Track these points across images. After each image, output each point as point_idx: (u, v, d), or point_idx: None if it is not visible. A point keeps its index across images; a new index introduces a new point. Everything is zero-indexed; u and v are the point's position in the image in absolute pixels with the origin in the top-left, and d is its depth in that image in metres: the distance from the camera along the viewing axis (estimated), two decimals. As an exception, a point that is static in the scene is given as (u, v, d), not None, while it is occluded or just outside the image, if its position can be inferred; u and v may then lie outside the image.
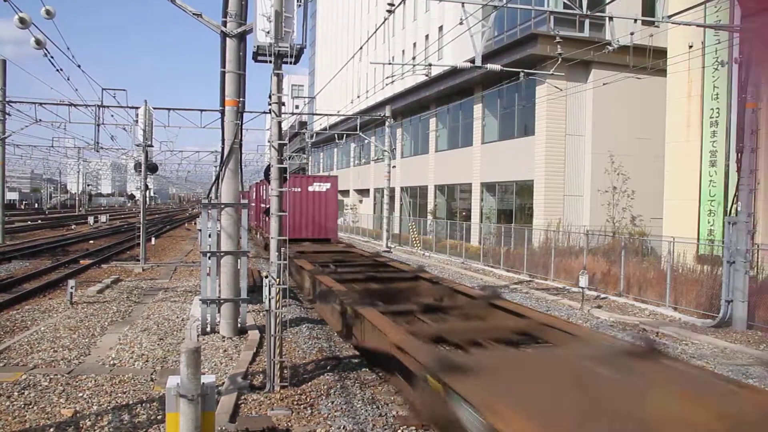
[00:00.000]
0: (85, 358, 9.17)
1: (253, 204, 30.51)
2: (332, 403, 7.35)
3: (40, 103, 25.44)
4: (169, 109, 25.45)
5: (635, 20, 13.16)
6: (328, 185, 23.75)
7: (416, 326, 8.37)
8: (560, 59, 14.22)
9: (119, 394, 7.48)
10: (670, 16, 12.80)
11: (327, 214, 23.58)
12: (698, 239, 17.36)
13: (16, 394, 7.36)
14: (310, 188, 23.19)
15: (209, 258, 10.64)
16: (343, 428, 6.58)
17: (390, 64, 19.37)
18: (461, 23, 12.89)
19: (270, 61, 9.12)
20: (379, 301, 10.12)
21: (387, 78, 18.42)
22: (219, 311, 10.71)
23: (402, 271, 14.30)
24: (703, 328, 12.47)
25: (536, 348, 7.65)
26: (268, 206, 8.78)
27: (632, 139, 24.00)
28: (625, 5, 17.82)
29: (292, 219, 21.33)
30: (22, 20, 11.43)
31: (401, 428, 6.73)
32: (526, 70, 16.82)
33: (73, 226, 44.24)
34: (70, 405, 7.05)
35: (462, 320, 9.13)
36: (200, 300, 10.81)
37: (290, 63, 8.95)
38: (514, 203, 28.18)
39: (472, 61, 13.73)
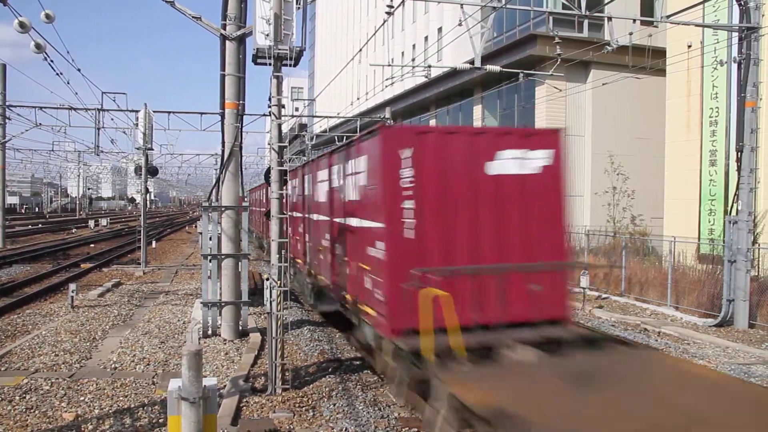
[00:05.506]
0: (87, 361, 9.18)
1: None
2: (334, 405, 7.35)
3: (40, 107, 25.40)
4: (169, 113, 25.43)
5: (634, 20, 13.14)
6: None
7: None
8: (559, 60, 14.20)
9: (121, 398, 7.48)
10: (668, 16, 12.78)
11: None
12: (699, 238, 17.35)
13: (17, 398, 7.37)
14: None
15: (210, 261, 10.65)
16: (345, 430, 6.58)
17: (390, 65, 19.27)
18: (460, 24, 12.87)
19: (270, 64, 9.13)
20: None
21: (387, 80, 18.35)
22: (220, 314, 10.72)
23: None
24: (704, 327, 12.46)
25: None
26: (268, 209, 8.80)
27: (632, 138, 23.98)
28: (624, 5, 17.82)
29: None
30: (21, 24, 11.41)
31: (403, 430, 6.73)
32: (525, 71, 16.77)
33: (73, 230, 44.22)
34: (72, 409, 7.06)
35: None
36: (201, 303, 10.82)
37: (290, 65, 8.96)
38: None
39: (472, 62, 13.70)
